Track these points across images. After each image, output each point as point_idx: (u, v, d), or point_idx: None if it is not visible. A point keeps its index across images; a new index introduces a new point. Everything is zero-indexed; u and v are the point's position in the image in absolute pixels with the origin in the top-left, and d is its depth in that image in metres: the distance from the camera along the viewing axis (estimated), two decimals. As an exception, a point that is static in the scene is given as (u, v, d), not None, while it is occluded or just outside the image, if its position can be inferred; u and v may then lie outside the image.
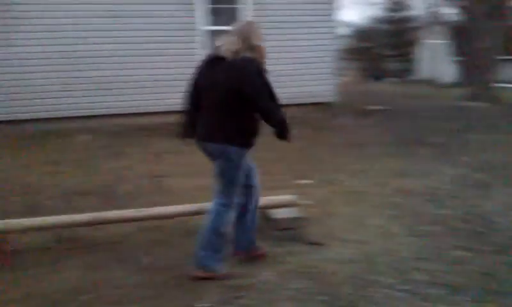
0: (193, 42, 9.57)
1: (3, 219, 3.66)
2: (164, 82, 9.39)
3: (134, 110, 9.32)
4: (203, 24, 9.60)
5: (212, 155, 3.16)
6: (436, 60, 25.60)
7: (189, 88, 3.25)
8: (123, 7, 9.09)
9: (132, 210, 3.93)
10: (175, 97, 9.37)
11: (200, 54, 9.56)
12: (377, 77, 27.24)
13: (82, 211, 4.28)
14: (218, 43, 3.13)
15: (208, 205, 3.73)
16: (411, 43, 32.85)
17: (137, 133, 8.46)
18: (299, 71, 10.12)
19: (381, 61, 30.12)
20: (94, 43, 8.99)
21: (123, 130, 8.75)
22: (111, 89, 9.17)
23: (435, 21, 30.41)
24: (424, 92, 17.87)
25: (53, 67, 8.82)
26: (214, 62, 3.10)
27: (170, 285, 2.99)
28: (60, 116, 8.88)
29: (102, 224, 3.70)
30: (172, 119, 9.29)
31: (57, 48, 8.78)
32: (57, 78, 8.88)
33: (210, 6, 9.62)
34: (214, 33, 9.58)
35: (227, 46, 3.04)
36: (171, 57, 9.40)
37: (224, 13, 9.78)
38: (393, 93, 17.77)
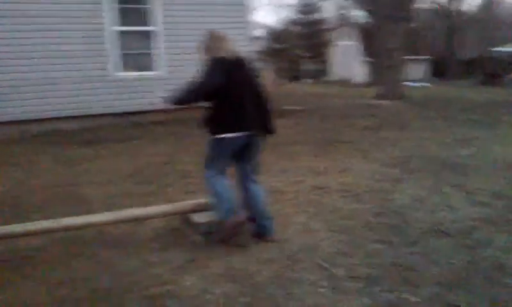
0: (103, 43, 9.24)
1: None
2: (71, 85, 9.01)
3: (47, 115, 8.82)
4: (112, 25, 9.30)
5: (247, 144, 3.60)
6: (347, 61, 26.78)
7: (215, 85, 3.40)
8: (27, 6, 8.56)
9: (42, 221, 3.70)
10: (82, 100, 9.12)
11: (109, 55, 9.27)
12: (293, 78, 27.94)
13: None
14: (229, 46, 3.63)
15: (126, 212, 3.64)
16: (323, 45, 34.12)
17: (51, 139, 8.02)
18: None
19: (295, 62, 30.95)
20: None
21: (28, 136, 8.25)
22: (19, 93, 8.61)
23: (345, 23, 31.78)
24: (337, 92, 18.63)
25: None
26: (239, 63, 3.58)
27: (89, 299, 2.84)
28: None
29: (11, 237, 3.45)
30: (87, 123, 8.98)
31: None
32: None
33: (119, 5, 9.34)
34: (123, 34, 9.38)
35: (235, 48, 3.62)
36: (85, 59, 9.05)
37: (132, 13, 9.55)
38: (308, 93, 18.33)
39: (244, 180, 3.74)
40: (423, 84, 22.63)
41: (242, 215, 3.62)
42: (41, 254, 3.49)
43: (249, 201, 3.73)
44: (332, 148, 7.10)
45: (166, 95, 3.52)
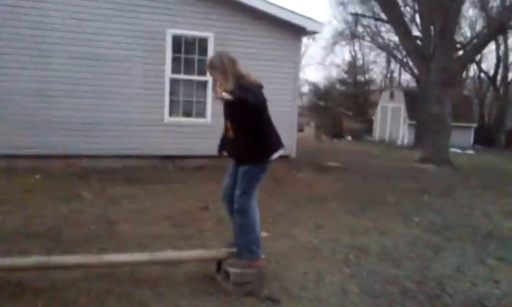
0: (162, 89, 9.60)
1: None
2: (129, 127, 9.33)
3: (92, 152, 9.11)
4: (170, 72, 9.68)
5: None
6: (392, 122, 26.61)
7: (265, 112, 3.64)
8: (91, 50, 9.03)
9: (79, 255, 3.76)
10: (135, 142, 9.38)
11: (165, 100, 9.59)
12: (335, 135, 27.94)
13: (25, 254, 4.07)
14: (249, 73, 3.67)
15: (160, 254, 3.65)
16: (368, 105, 34.19)
17: (92, 175, 8.24)
18: (261, 124, 10.24)
19: (339, 120, 31.03)
20: (51, 83, 8.84)
21: (76, 171, 8.51)
22: (67, 130, 8.96)
23: (392, 86, 31.87)
24: (380, 152, 18.43)
25: (5, 104, 8.56)
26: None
27: (116, 338, 2.82)
28: (8, 153, 8.55)
29: (49, 269, 3.50)
30: (131, 163, 9.21)
31: (8, 85, 8.55)
32: (9, 114, 8.61)
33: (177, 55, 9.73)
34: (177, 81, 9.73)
35: None
36: (139, 102, 9.39)
37: (187, 62, 9.91)
38: (350, 151, 18.23)
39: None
40: (469, 151, 22.11)
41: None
42: (74, 288, 3.52)
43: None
44: (372, 209, 6.96)
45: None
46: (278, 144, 3.75)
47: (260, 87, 3.60)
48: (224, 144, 3.95)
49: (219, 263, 3.84)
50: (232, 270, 3.59)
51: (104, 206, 6.20)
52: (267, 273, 4.01)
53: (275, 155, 3.70)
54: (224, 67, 3.58)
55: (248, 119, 3.57)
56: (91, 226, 5.22)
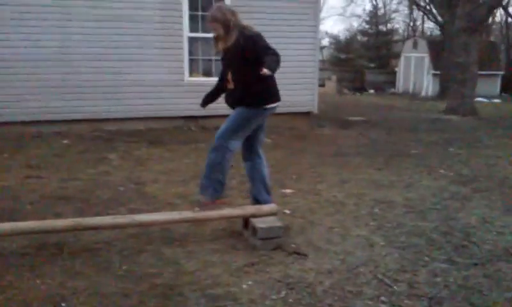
0: (180, 48, 9.56)
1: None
2: (150, 88, 9.36)
3: (116, 115, 9.22)
4: (188, 31, 9.61)
5: None
6: (416, 73, 26.05)
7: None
8: (110, 11, 9.00)
9: (112, 216, 3.89)
10: (157, 103, 9.45)
11: (184, 60, 9.57)
12: (358, 88, 27.54)
13: (61, 216, 4.22)
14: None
15: (189, 213, 3.76)
16: (391, 56, 33.43)
17: (118, 138, 8.38)
18: (280, 81, 10.16)
19: (360, 73, 30.49)
20: (77, 47, 8.89)
21: (102, 135, 8.66)
22: (93, 93, 9.07)
23: (415, 35, 30.99)
24: (404, 104, 18.16)
25: (33, 70, 8.68)
26: None
27: (150, 294, 2.94)
28: (36, 119, 8.73)
29: (83, 230, 3.64)
30: (155, 125, 9.31)
31: (39, 50, 8.65)
32: (38, 81, 8.75)
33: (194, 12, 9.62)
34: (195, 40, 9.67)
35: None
36: (158, 63, 9.38)
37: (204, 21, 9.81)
38: (373, 104, 18.00)
39: (253, 151, 3.96)
40: (496, 100, 21.59)
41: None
42: (108, 248, 3.66)
43: (255, 173, 3.96)
44: (397, 162, 6.93)
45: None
46: (275, 96, 3.85)
47: (261, 36, 3.69)
48: (212, 98, 4.11)
49: (245, 220, 3.92)
50: (259, 225, 3.66)
51: (131, 168, 6.34)
52: (293, 228, 4.10)
53: (271, 105, 3.77)
54: (226, 19, 3.61)
55: (249, 70, 3.61)
56: (120, 187, 5.36)
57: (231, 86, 3.79)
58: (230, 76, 3.79)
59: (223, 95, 4.07)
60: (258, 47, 3.60)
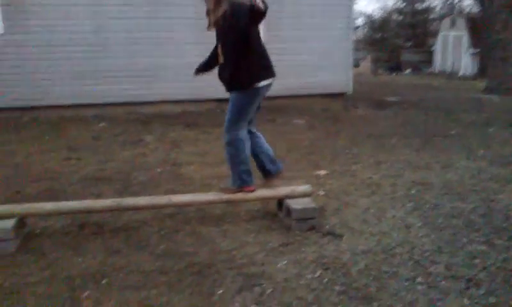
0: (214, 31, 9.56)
1: (23, 203, 3.73)
2: (186, 70, 9.42)
3: (152, 98, 9.36)
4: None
5: None
6: (454, 52, 25.29)
7: (245, 29, 3.49)
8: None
9: (150, 197, 3.98)
10: (192, 86, 9.52)
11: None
12: (393, 68, 26.97)
13: (101, 197, 4.35)
14: None
15: (222, 194, 3.81)
16: (428, 35, 32.52)
17: (153, 121, 8.51)
18: (315, 61, 10.09)
19: (396, 53, 29.80)
20: (114, 31, 9.03)
21: (138, 117, 8.81)
22: (128, 77, 9.22)
23: (453, 12, 30.01)
24: (440, 84, 17.69)
25: (69, 54, 8.88)
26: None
27: (188, 271, 3.01)
28: (74, 103, 8.96)
29: (123, 210, 3.74)
30: (189, 107, 9.41)
31: (73, 35, 8.83)
32: (74, 66, 8.95)
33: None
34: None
35: None
36: (193, 46, 9.42)
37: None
38: (409, 84, 17.61)
39: (251, 131, 3.86)
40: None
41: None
42: (146, 227, 3.75)
43: (257, 149, 3.86)
44: (434, 143, 6.79)
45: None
46: (268, 72, 3.64)
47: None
48: (206, 67, 4.01)
49: (280, 201, 3.94)
50: (293, 206, 3.67)
51: (167, 150, 6.44)
52: (328, 209, 4.09)
53: (263, 83, 3.58)
54: None
55: (237, 41, 3.47)
56: (156, 169, 5.46)
57: (221, 60, 3.64)
58: (220, 49, 3.64)
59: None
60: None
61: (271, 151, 3.98)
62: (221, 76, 3.70)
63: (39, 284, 2.88)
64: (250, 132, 3.85)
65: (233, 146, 3.68)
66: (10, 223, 3.33)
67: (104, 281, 2.90)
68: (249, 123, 3.83)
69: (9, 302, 2.69)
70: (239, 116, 3.64)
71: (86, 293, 2.77)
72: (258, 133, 3.96)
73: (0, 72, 8.61)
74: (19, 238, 3.43)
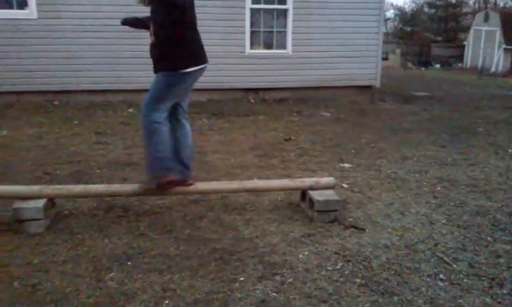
0: (242, 20, 9.58)
1: (52, 185, 3.84)
2: (212, 59, 9.44)
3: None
4: (251, 3, 9.61)
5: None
6: (486, 48, 24.69)
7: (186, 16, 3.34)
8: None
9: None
10: (218, 75, 9.57)
11: (246, 32, 9.61)
12: (423, 63, 26.52)
13: (127, 181, 4.44)
14: None
15: (249, 183, 3.82)
16: (459, 29, 31.85)
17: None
18: (344, 54, 10.01)
19: (426, 46, 29.28)
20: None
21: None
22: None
23: (487, 7, 29.28)
24: (471, 80, 17.33)
25: (99, 40, 9.01)
26: None
27: (210, 257, 3.06)
28: (102, 89, 9.10)
29: (148, 195, 3.81)
30: (215, 96, 9.46)
31: (103, 21, 8.95)
32: (103, 51, 9.08)
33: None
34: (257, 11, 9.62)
35: None
36: (220, 35, 9.46)
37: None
38: (438, 79, 17.30)
39: (176, 119, 3.59)
40: None
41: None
42: (170, 213, 3.82)
43: (178, 141, 3.59)
44: (461, 140, 6.68)
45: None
46: (197, 58, 3.41)
47: None
48: (136, 23, 3.85)
49: (303, 192, 3.95)
50: (316, 198, 3.68)
51: (193, 137, 6.48)
52: (351, 202, 4.09)
53: (191, 68, 3.35)
54: None
55: (167, 21, 3.27)
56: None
57: (152, 39, 3.39)
58: (151, 28, 3.39)
59: None
60: None
61: (191, 149, 3.74)
62: (151, 54, 3.47)
63: (66, 264, 2.97)
64: (176, 120, 3.60)
65: (147, 128, 3.39)
66: (40, 203, 3.43)
67: (128, 263, 2.98)
68: (177, 109, 3.58)
69: (38, 279, 2.78)
70: (159, 98, 3.38)
71: (111, 274, 2.84)
72: (186, 124, 3.68)
73: (33, 56, 8.80)
74: (48, 218, 3.53)
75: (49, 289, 2.68)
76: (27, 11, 8.70)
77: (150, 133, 3.40)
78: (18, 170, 4.87)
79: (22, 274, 2.83)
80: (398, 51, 25.84)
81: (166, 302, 2.57)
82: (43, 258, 3.03)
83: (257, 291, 2.68)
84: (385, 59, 20.75)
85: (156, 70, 3.42)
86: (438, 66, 26.25)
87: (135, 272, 2.86)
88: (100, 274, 2.84)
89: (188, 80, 3.45)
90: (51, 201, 3.62)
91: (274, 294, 2.66)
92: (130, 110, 8.37)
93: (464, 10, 34.53)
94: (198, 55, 3.44)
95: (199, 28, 3.48)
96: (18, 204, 3.42)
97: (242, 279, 2.82)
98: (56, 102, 8.87)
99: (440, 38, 31.60)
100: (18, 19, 8.67)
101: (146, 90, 3.50)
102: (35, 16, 8.71)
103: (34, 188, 3.60)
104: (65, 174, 4.74)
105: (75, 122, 7.36)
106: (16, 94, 8.78)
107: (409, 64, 24.90)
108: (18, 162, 5.15)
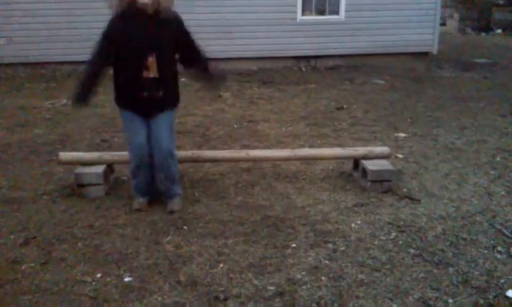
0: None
1: (111, 152, 3.99)
2: (263, 27, 9.38)
3: (230, 55, 9.44)
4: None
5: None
6: (553, 10, 23.05)
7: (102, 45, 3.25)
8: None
9: (229, 151, 4.11)
10: (269, 42, 9.50)
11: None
12: (483, 28, 25.15)
13: (181, 149, 4.54)
14: None
15: (301, 151, 3.82)
16: (525, -9, 29.81)
17: (230, 78, 8.62)
18: (399, 19, 9.65)
19: (487, 11, 27.68)
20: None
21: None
22: (206, 32, 9.33)
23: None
24: (536, 46, 16.30)
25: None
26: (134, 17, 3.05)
27: (263, 224, 3.11)
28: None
29: (202, 162, 3.89)
30: (266, 64, 9.42)
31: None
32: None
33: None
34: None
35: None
36: (271, 2, 9.34)
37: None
38: (501, 45, 16.39)
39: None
40: None
41: None
42: (224, 180, 3.89)
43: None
44: (524, 109, 6.36)
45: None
46: (126, 103, 3.29)
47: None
48: (89, 94, 3.51)
49: (356, 161, 3.91)
50: (369, 168, 3.63)
51: (244, 106, 6.53)
52: (406, 172, 4.01)
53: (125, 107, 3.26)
54: None
55: (173, 60, 3.30)
56: (233, 124, 5.59)
57: (153, 73, 3.08)
58: (151, 61, 3.07)
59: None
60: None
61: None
62: (151, 94, 3.12)
63: (125, 227, 3.10)
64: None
65: (174, 160, 3.35)
66: (100, 169, 3.58)
67: (184, 227, 3.08)
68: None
69: (99, 240, 2.93)
70: (173, 132, 3.35)
71: (168, 238, 2.95)
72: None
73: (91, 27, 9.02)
74: (108, 183, 3.68)
75: (110, 250, 2.82)
76: None
77: (175, 164, 3.36)
78: (78, 138, 5.09)
79: (85, 236, 2.99)
80: (456, 16, 24.60)
81: (221, 265, 2.65)
82: (104, 221, 3.18)
83: (309, 258, 2.71)
84: (443, 24, 19.82)
85: (163, 110, 3.22)
86: (499, 31, 24.84)
87: (190, 236, 2.96)
88: (157, 238, 2.95)
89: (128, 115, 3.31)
90: (110, 167, 3.77)
91: (326, 261, 2.68)
92: (183, 79, 8.46)
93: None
94: (125, 101, 3.34)
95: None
96: (80, 169, 3.58)
97: (294, 245, 2.85)
98: (111, 71, 9.08)
99: (501, 1, 29.76)
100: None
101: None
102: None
103: (94, 155, 3.76)
104: (122, 142, 4.90)
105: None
106: (75, 64, 9.04)
107: (469, 30, 23.69)
108: (77, 130, 5.37)
